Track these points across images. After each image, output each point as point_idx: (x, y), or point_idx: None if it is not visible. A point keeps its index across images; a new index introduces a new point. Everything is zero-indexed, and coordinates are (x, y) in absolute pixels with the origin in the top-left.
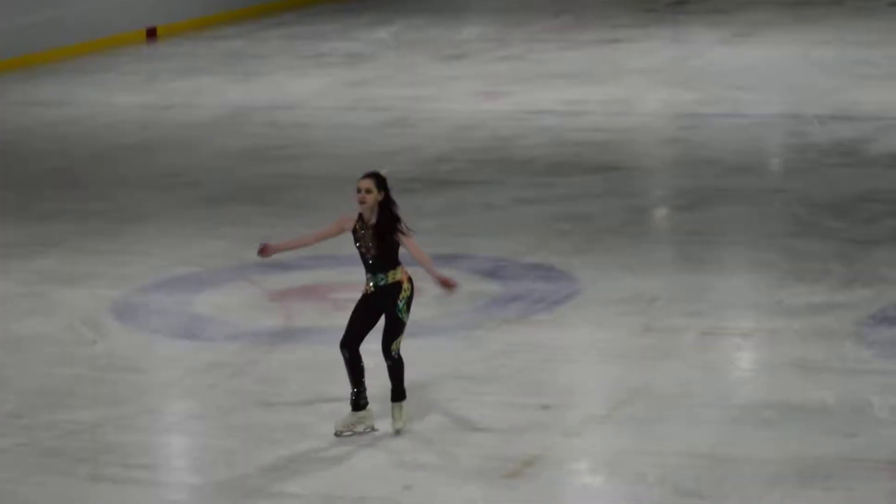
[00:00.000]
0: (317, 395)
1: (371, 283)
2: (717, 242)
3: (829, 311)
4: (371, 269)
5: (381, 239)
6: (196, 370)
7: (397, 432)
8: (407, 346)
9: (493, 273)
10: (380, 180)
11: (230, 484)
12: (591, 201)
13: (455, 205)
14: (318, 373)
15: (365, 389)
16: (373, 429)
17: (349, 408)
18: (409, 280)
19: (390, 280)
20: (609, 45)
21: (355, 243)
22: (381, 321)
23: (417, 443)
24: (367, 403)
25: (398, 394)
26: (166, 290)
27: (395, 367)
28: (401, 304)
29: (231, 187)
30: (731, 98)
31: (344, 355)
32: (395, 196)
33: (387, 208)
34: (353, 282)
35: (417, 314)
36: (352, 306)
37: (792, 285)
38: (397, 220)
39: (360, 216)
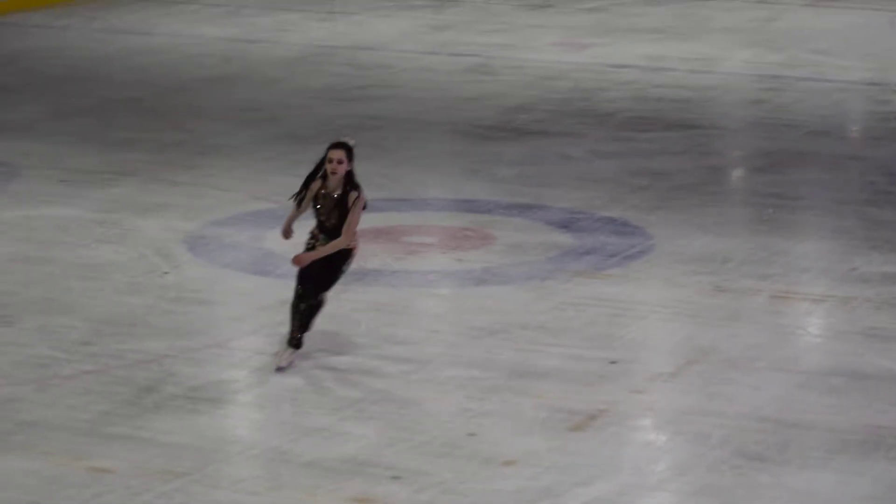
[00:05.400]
0: (385, 337)
1: (321, 241)
2: (794, 206)
3: None
4: (324, 231)
5: (340, 212)
6: (266, 307)
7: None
8: (477, 294)
9: (567, 225)
10: (350, 151)
11: (293, 422)
12: (669, 158)
13: (533, 155)
14: (389, 315)
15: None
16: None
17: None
18: (356, 247)
19: None
20: (694, 1)
21: (315, 205)
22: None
23: (483, 390)
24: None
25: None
26: (240, 225)
27: (319, 307)
28: (345, 267)
29: (310, 125)
30: (814, 62)
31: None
32: (474, 144)
33: (350, 183)
34: (423, 224)
35: (490, 261)
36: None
37: (866, 253)
38: (356, 195)
39: (325, 181)
